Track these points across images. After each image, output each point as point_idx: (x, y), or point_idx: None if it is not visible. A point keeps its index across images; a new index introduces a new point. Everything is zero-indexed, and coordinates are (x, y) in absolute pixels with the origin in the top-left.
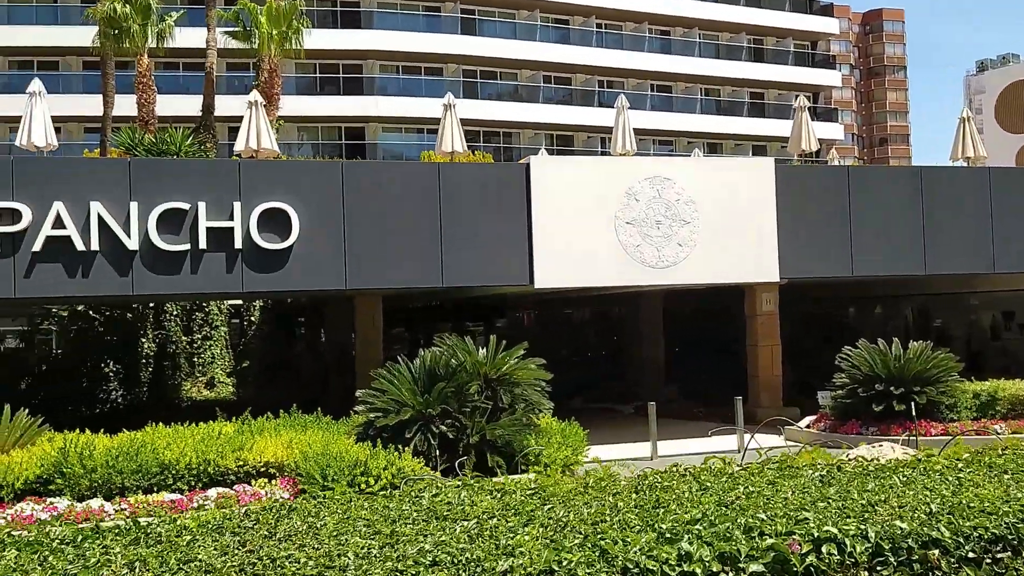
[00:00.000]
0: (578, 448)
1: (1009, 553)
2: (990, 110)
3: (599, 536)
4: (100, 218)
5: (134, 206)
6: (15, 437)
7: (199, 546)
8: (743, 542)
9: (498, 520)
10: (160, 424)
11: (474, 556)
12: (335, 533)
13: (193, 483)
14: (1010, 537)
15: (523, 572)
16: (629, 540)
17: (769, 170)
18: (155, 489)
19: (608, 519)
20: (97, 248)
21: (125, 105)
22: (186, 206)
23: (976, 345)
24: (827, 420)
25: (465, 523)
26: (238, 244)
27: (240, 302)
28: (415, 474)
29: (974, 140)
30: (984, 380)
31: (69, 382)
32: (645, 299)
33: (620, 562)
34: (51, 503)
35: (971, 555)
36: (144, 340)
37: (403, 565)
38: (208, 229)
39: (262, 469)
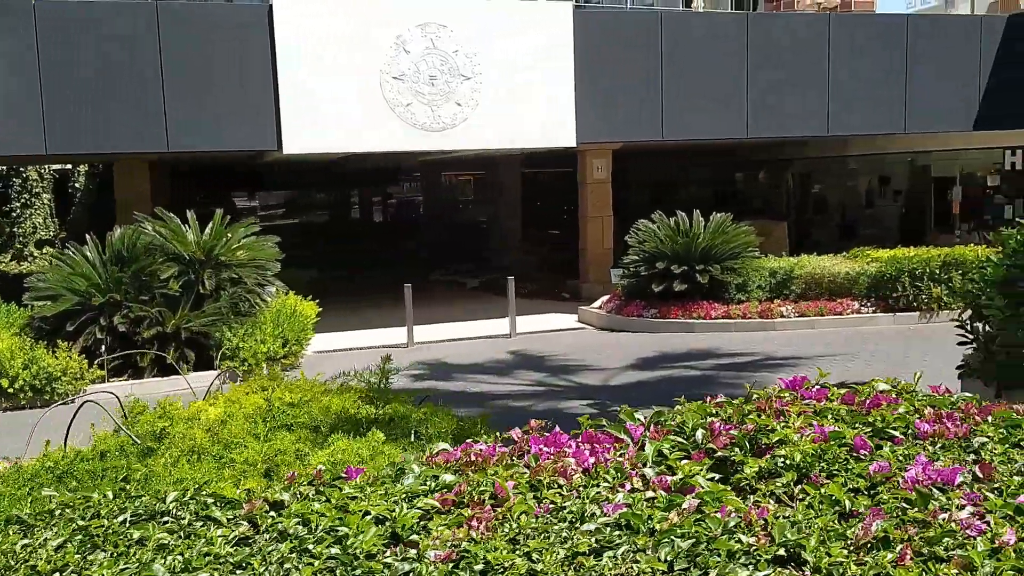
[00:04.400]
0: (299, 338)
1: None
2: None
3: None
4: None
5: None
6: None
7: None
8: None
9: None
10: None
11: None
12: None
13: None
14: None
15: None
16: None
17: (566, 17)
18: None
19: None
20: None
21: None
22: None
23: (851, 212)
24: (616, 300)
25: None
26: None
27: (68, 166)
28: (69, 375)
29: None
30: (854, 248)
31: None
32: (503, 165)
33: None
34: None
35: None
36: None
37: None
38: None
39: None
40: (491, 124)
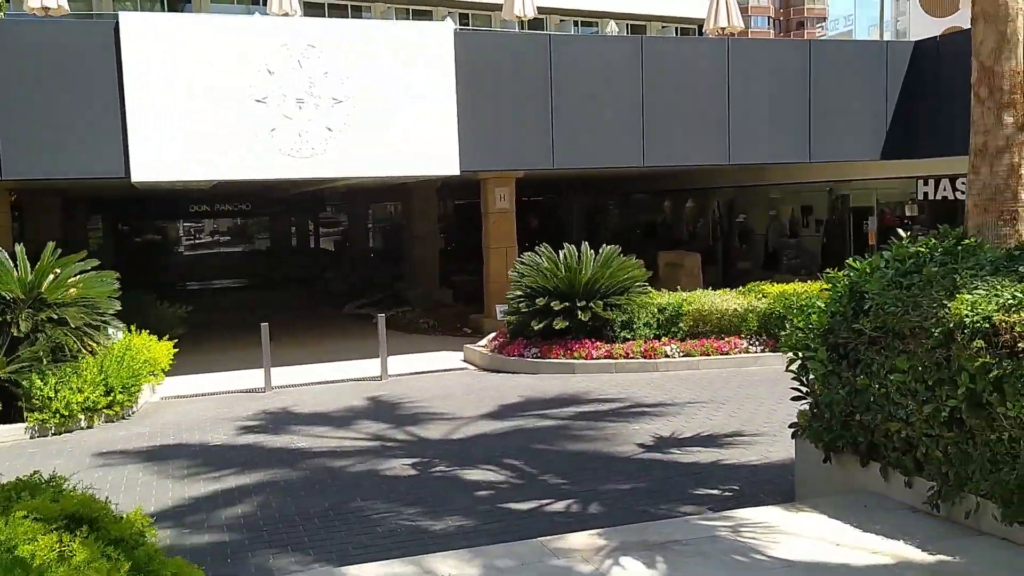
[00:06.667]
0: (127, 384)
1: None
2: None
3: None
4: None
5: None
6: None
7: None
8: None
9: None
10: None
11: None
12: None
13: None
14: None
15: None
16: None
17: (447, 38)
18: None
19: None
20: None
21: None
22: None
23: (775, 242)
24: (500, 338)
25: None
26: None
27: None
28: None
29: (729, 9)
30: (777, 279)
31: None
32: (418, 192)
33: None
34: None
35: None
36: None
37: None
38: None
39: None
40: (366, 150)
